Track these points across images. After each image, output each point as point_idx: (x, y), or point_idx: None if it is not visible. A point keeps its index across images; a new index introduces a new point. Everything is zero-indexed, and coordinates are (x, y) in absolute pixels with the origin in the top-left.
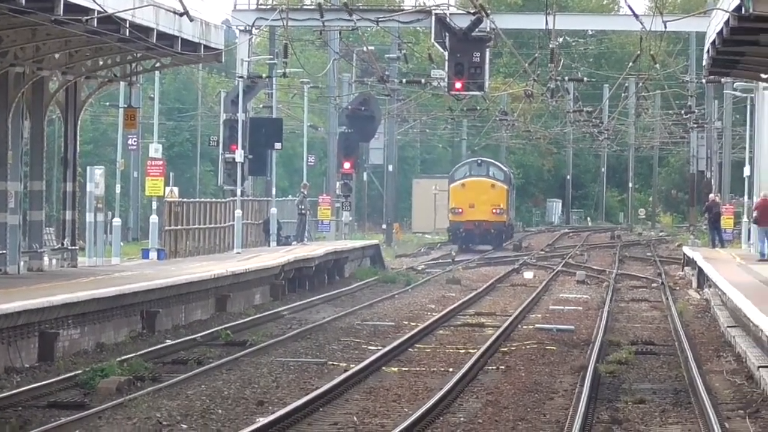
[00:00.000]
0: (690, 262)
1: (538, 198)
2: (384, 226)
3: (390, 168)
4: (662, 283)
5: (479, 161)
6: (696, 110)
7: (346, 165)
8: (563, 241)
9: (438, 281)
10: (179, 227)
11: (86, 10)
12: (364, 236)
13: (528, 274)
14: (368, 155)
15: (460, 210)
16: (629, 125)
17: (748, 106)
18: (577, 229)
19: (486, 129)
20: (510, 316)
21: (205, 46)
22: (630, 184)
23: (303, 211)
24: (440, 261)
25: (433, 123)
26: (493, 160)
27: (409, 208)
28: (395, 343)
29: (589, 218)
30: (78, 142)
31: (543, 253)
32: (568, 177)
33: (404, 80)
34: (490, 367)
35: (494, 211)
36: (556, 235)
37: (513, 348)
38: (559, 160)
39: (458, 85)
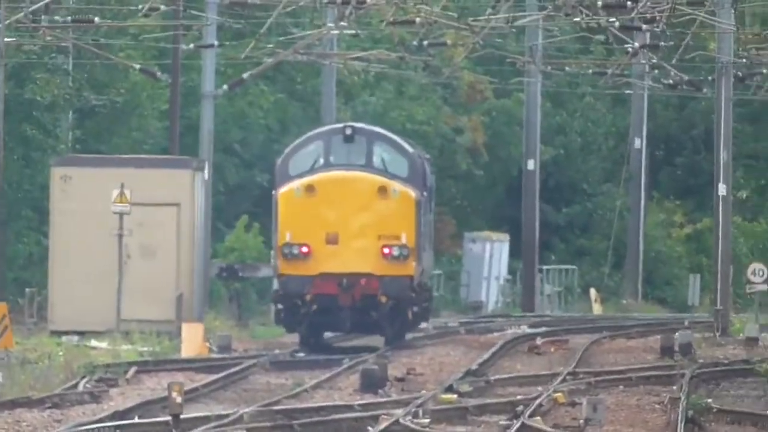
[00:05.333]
0: None
1: (444, 227)
2: None
3: None
4: None
5: (349, 129)
6: None
7: None
8: (514, 358)
9: None
10: None
11: None
12: None
13: None
14: None
15: (305, 249)
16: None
17: None
18: (561, 323)
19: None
20: None
21: None
22: (721, 186)
23: None
24: (139, 421)
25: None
26: (380, 130)
27: (41, 258)
28: None
29: (595, 292)
30: None
31: (452, 399)
32: (531, 164)
33: None
34: None
35: (386, 250)
36: (495, 342)
37: None
38: (504, 113)
39: None
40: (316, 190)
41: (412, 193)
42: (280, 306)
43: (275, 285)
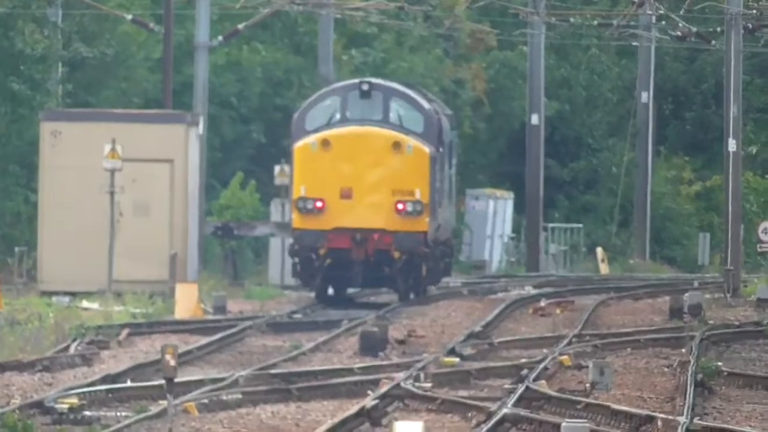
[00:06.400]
0: None
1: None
2: None
3: None
4: None
5: (366, 85)
6: None
7: None
8: (518, 320)
9: None
10: None
11: None
12: None
13: None
14: None
15: (320, 204)
16: None
17: None
18: (566, 283)
19: None
20: None
21: None
22: (730, 142)
23: None
24: (131, 384)
25: None
26: (397, 85)
27: (30, 216)
28: None
29: (601, 251)
30: None
31: (455, 362)
32: (535, 119)
33: None
34: None
35: (400, 206)
36: (499, 303)
37: None
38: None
39: None
40: (332, 144)
41: (427, 149)
42: (295, 260)
43: (290, 239)
